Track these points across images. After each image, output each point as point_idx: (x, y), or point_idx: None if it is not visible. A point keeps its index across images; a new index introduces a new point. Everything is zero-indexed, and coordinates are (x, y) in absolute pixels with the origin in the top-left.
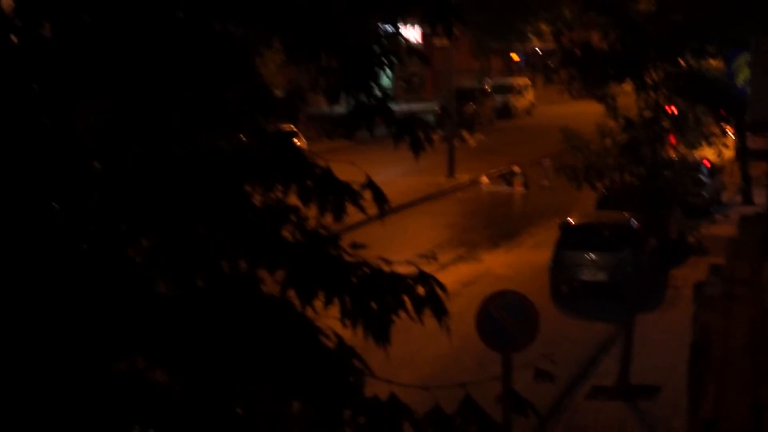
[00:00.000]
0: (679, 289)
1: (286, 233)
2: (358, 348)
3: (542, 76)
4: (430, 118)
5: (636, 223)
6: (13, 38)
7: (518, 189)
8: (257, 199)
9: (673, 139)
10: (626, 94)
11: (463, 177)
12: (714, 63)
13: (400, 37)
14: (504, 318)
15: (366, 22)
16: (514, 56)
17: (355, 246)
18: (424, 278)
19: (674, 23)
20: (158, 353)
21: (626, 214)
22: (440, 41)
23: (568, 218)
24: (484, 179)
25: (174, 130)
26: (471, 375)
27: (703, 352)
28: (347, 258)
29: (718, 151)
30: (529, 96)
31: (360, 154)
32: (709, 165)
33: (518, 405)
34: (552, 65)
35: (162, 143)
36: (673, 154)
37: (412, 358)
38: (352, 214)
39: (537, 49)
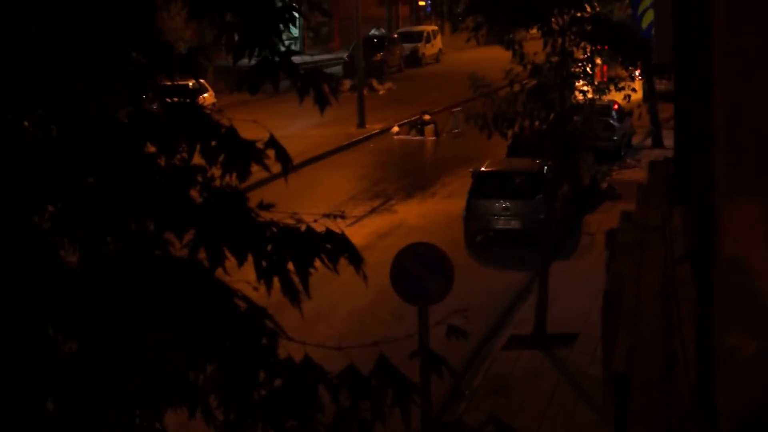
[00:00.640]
0: (593, 236)
1: (193, 193)
2: (271, 307)
3: (449, 23)
4: (339, 68)
5: (547, 169)
6: None
7: (429, 138)
8: (162, 160)
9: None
10: (534, 40)
11: (374, 127)
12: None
13: None
14: (418, 271)
15: None
16: (422, 3)
17: (262, 206)
18: (333, 236)
19: None
20: (67, 321)
21: (537, 161)
22: None
23: (480, 167)
24: (395, 129)
25: (77, 90)
26: (388, 328)
27: (615, 301)
28: (257, 217)
29: (626, 94)
30: (438, 43)
31: (272, 107)
32: (617, 109)
33: (432, 362)
34: (458, 12)
35: (65, 104)
36: (581, 99)
37: (328, 313)
38: (263, 171)
39: None
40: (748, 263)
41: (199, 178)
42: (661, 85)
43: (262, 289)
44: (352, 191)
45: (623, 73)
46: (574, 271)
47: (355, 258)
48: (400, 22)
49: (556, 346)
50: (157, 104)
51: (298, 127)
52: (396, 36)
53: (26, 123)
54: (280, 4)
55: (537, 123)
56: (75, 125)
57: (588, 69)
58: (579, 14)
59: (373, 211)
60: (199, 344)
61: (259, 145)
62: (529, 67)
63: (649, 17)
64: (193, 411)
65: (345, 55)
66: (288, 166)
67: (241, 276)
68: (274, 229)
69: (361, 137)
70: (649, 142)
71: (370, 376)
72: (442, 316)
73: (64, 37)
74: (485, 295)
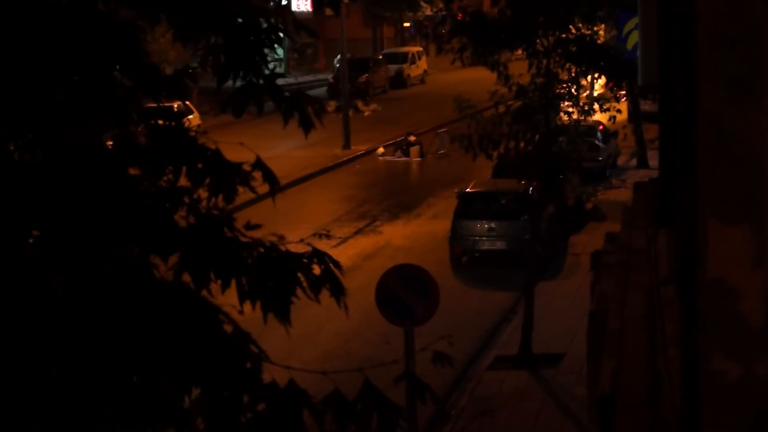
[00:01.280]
0: (579, 256)
1: (178, 217)
2: (256, 330)
3: (434, 44)
4: (323, 89)
5: (532, 190)
6: None
7: (415, 159)
8: (146, 184)
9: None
10: (519, 61)
11: (359, 148)
12: (605, 29)
13: (287, 12)
14: (403, 292)
15: None
16: (407, 24)
17: (249, 227)
18: (319, 256)
19: None
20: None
21: (522, 182)
22: (332, 11)
23: (466, 188)
24: (381, 150)
25: (62, 115)
26: (374, 349)
27: (600, 323)
28: (242, 239)
29: (611, 116)
30: (423, 64)
31: (257, 127)
32: (602, 129)
33: (416, 388)
34: (444, 33)
35: (49, 128)
36: (566, 120)
37: (313, 333)
38: (249, 192)
39: (427, 14)
40: (732, 285)
41: (186, 200)
42: (646, 106)
43: (247, 310)
44: (338, 212)
45: (608, 94)
46: (560, 292)
47: (338, 289)
48: (385, 43)
49: (542, 367)
50: (143, 127)
51: (283, 148)
52: (381, 57)
53: (11, 147)
54: (265, 25)
55: (522, 144)
56: (59, 149)
57: (573, 90)
58: (564, 35)
59: (358, 232)
60: (185, 367)
61: (246, 167)
62: (514, 88)
63: (634, 38)
64: None
65: (330, 76)
66: (275, 187)
67: (226, 299)
68: (261, 249)
69: (346, 158)
70: (634, 162)
71: (356, 401)
72: (428, 340)
73: (47, 62)
74: (471, 315)
